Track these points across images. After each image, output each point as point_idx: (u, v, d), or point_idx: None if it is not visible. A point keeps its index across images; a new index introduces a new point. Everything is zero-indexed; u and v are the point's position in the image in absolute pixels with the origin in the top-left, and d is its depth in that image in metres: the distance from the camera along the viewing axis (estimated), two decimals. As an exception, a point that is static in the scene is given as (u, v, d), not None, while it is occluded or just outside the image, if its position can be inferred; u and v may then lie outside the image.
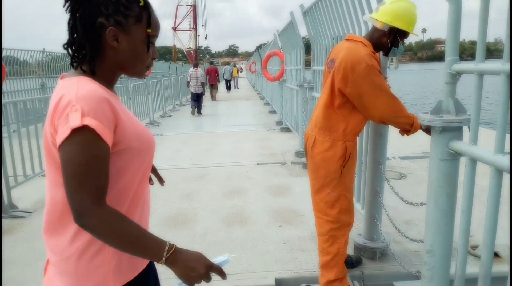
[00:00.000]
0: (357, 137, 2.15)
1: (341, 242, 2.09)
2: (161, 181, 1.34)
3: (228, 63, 24.93)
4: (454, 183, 1.61)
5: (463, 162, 1.49)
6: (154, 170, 1.28)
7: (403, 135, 2.02)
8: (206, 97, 16.70)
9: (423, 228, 2.96)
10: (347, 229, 2.13)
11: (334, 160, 2.03)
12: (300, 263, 2.54)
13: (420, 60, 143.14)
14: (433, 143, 1.64)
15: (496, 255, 2.24)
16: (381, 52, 2.11)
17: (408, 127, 1.93)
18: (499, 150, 1.30)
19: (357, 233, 2.62)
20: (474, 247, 2.41)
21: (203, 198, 3.91)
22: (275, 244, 2.83)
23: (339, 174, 2.04)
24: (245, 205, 3.65)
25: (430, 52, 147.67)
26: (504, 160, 1.26)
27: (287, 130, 7.74)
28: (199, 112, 11.42)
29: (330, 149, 2.03)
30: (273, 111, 10.83)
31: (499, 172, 1.29)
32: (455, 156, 1.58)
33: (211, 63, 18.75)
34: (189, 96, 13.47)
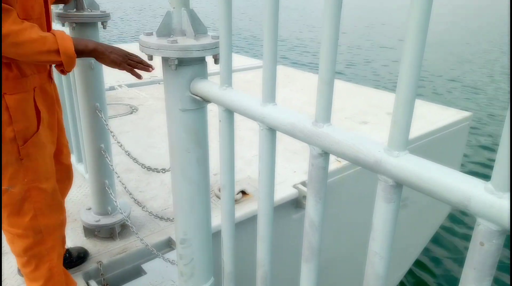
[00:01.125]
0: (48, 77, 1.28)
1: (52, 258, 1.30)
2: None
3: None
4: (204, 142, 1.10)
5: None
6: None
7: (64, 74, 1.28)
8: None
9: (165, 176, 2.54)
10: (57, 235, 1.32)
11: None
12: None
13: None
14: (168, 86, 1.04)
15: (244, 192, 2.07)
16: None
17: (55, 58, 1.11)
18: (269, 97, 0.83)
19: (84, 208, 1.89)
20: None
21: None
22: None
23: (15, 156, 1.15)
24: None
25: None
26: (272, 112, 0.81)
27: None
28: None
29: None
30: None
31: (271, 131, 0.84)
32: (202, 103, 1.05)
33: None
34: None
